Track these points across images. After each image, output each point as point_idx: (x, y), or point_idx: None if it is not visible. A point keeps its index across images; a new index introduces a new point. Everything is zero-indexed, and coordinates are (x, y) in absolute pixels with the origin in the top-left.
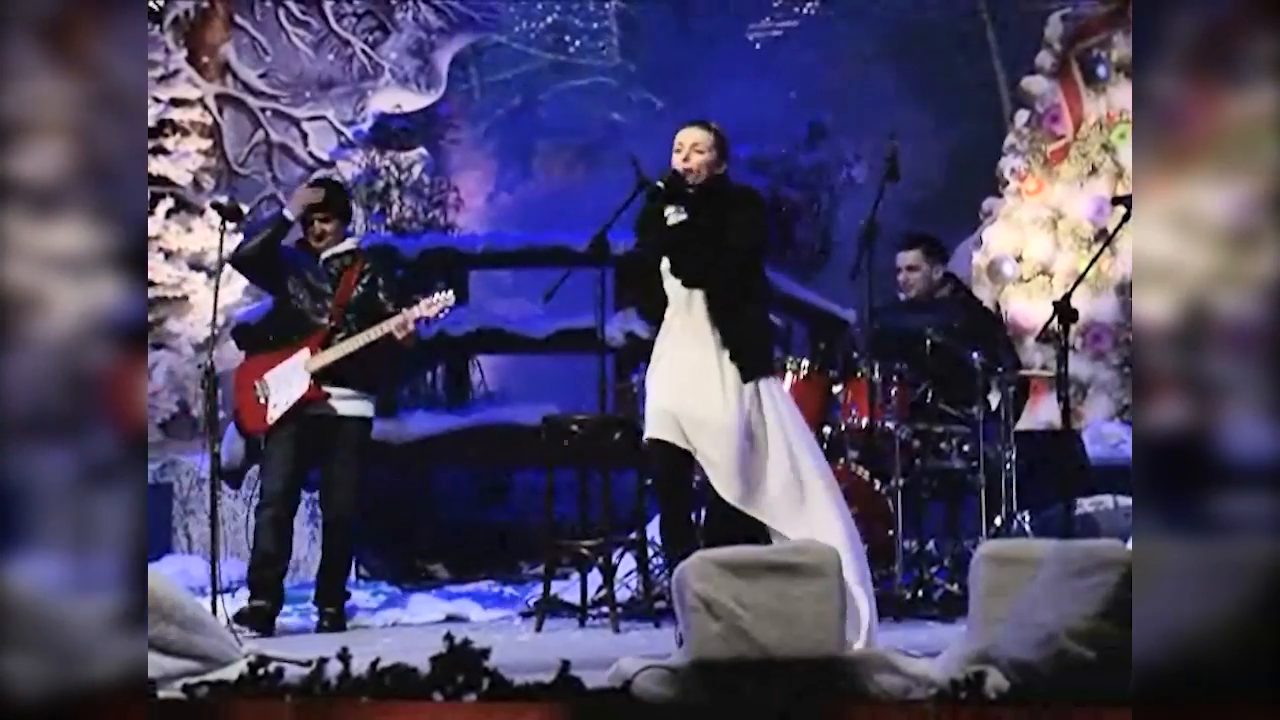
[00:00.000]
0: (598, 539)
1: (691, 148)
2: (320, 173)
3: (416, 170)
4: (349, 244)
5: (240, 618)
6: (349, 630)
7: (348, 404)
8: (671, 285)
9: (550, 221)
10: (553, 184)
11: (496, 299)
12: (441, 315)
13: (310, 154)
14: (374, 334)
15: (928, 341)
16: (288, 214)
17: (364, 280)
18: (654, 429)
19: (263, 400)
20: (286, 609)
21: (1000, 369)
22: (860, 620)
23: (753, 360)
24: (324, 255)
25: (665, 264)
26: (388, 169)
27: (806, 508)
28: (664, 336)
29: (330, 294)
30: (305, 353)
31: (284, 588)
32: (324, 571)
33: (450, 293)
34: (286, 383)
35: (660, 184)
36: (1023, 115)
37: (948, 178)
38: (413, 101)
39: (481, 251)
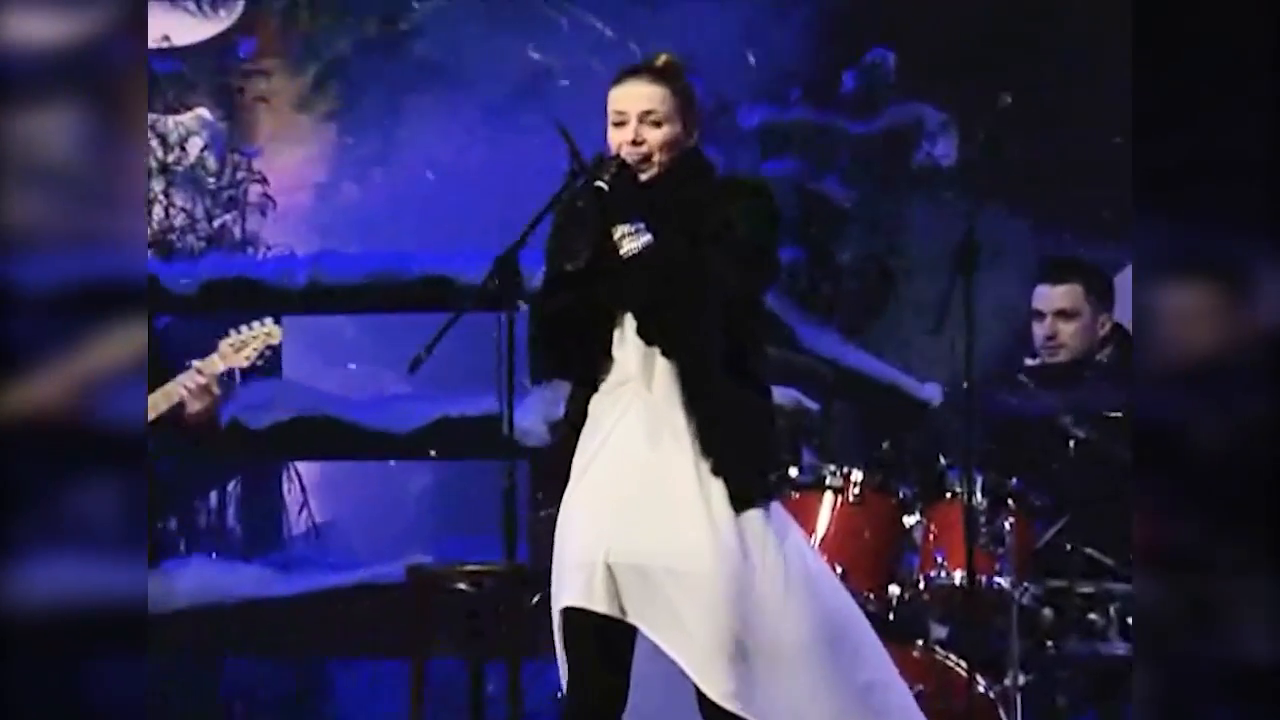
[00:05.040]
0: None
1: (641, 118)
2: None
3: (195, 146)
4: None
5: None
6: None
7: None
8: (623, 344)
9: (423, 232)
10: (431, 167)
11: (328, 366)
12: (261, 363)
13: None
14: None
15: (1069, 440)
16: None
17: None
18: (571, 591)
19: None
20: None
21: None
22: None
23: (749, 474)
24: None
25: (624, 315)
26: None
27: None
28: (597, 427)
29: None
30: None
31: None
32: None
33: (271, 322)
34: None
35: (603, 184)
36: None
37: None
38: (190, 30)
39: (304, 285)
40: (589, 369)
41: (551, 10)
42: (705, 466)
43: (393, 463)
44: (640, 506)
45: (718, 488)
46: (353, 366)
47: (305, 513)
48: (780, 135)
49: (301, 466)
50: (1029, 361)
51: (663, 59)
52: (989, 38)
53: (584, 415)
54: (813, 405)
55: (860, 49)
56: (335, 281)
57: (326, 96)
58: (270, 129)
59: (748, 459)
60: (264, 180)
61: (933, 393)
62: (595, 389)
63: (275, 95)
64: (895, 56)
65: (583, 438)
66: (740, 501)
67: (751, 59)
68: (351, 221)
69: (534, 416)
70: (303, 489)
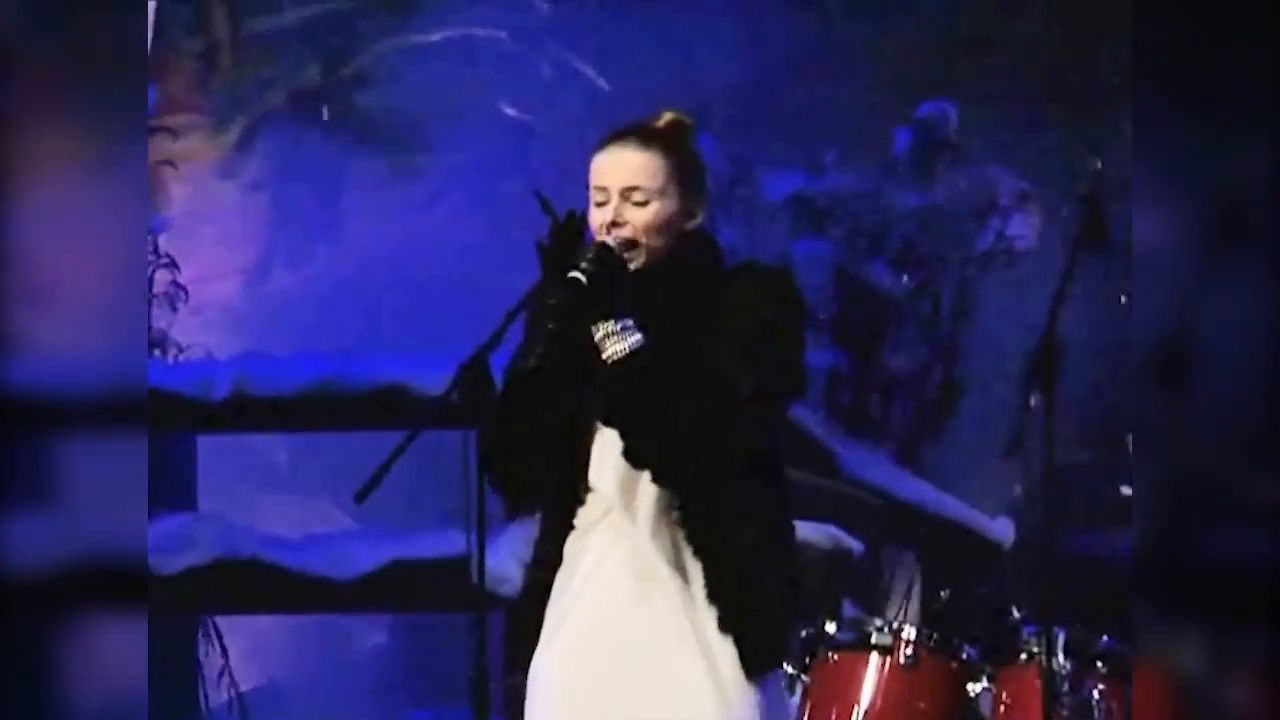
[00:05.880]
0: None
1: (624, 194)
2: None
3: None
4: None
5: None
6: None
7: None
8: (601, 466)
9: (372, 330)
10: (382, 248)
11: (255, 497)
12: None
13: None
14: None
15: None
16: None
17: None
18: None
19: None
20: None
21: None
22: None
23: (766, 630)
24: None
25: (600, 430)
26: None
27: None
28: (572, 573)
29: None
30: None
31: None
32: None
33: None
34: None
35: (580, 274)
36: None
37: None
38: None
39: (225, 397)
40: (534, 491)
41: (532, 55)
42: (709, 621)
43: (336, 616)
44: (626, 671)
45: (725, 648)
46: (285, 498)
47: (226, 678)
48: (814, 209)
49: (222, 621)
50: (1126, 491)
51: (665, 118)
52: (1077, 83)
53: (559, 557)
54: (855, 545)
55: (914, 101)
56: (263, 392)
57: (253, 160)
58: (182, 200)
59: (764, 611)
60: (173, 264)
61: (1004, 530)
62: (571, 524)
63: (187, 159)
64: (958, 110)
65: (556, 586)
66: (755, 664)
67: (778, 113)
68: (284, 317)
69: (510, 559)
70: (223, 649)
